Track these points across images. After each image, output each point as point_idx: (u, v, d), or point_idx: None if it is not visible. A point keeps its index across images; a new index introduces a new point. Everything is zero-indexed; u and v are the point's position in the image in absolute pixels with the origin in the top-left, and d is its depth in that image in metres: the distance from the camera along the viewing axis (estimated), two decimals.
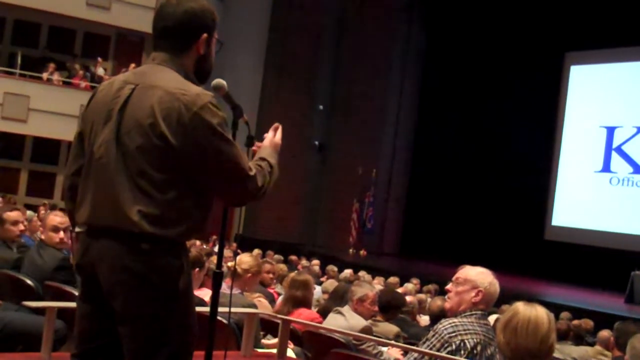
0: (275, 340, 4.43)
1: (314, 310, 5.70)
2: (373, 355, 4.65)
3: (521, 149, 19.19)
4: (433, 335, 3.40)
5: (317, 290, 7.81)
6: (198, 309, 2.41)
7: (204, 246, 11.01)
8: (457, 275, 3.56)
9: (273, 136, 2.64)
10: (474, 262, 3.68)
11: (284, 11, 21.53)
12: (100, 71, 19.37)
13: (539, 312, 2.86)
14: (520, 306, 2.90)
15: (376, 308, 5.45)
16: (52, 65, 18.81)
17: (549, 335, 2.83)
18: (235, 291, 4.62)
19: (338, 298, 5.83)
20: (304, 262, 13.11)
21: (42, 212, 12.57)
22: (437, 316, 5.80)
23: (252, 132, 2.60)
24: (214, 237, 12.64)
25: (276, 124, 2.71)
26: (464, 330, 3.36)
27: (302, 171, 20.43)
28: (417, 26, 22.74)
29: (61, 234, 4.88)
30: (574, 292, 15.42)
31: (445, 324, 3.41)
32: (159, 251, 2.26)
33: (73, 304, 2.73)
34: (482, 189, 20.30)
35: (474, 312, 3.43)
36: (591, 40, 18.28)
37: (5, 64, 18.79)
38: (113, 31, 19.97)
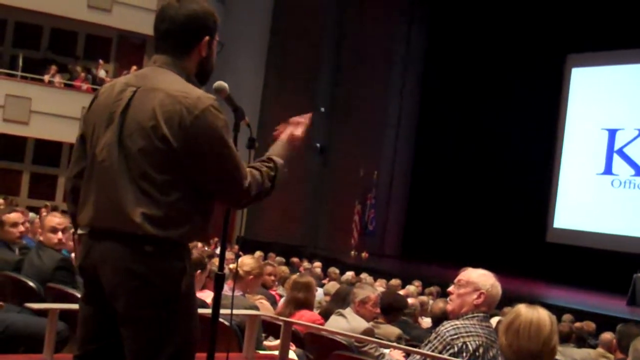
0: (277, 342, 4.42)
1: (315, 312, 5.70)
2: (375, 358, 4.65)
3: (523, 151, 19.20)
4: (435, 338, 3.40)
5: (319, 293, 7.82)
6: (200, 310, 2.41)
7: (206, 248, 11.01)
8: (459, 277, 3.56)
9: (293, 130, 2.62)
10: (475, 264, 3.68)
11: (285, 13, 21.54)
12: (101, 73, 19.38)
13: (541, 315, 2.86)
14: (523, 308, 2.90)
15: (378, 310, 5.45)
16: (53, 68, 18.82)
17: (551, 338, 2.83)
18: (237, 293, 4.61)
19: (340, 300, 5.82)
20: (305, 264, 13.11)
21: (44, 214, 12.57)
22: (439, 318, 5.80)
23: (254, 134, 2.60)
24: (216, 239, 12.63)
25: (307, 114, 2.68)
26: (466, 332, 3.35)
27: (303, 173, 20.43)
28: (418, 28, 22.77)
29: (59, 234, 4.89)
30: (576, 295, 15.41)
31: (447, 326, 3.41)
32: (161, 253, 2.26)
33: (75, 306, 2.73)
34: (483, 190, 20.30)
35: (476, 314, 3.43)
36: (593, 42, 18.29)
37: (6, 66, 18.80)
38: (114, 33, 19.98)
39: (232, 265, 4.88)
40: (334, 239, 21.33)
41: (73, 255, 5.81)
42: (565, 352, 6.40)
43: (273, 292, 7.16)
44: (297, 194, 20.13)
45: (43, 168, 19.36)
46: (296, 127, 2.63)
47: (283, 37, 21.57)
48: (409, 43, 22.66)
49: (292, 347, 4.53)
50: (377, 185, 21.15)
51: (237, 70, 18.47)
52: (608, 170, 18.65)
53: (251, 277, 4.98)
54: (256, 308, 4.52)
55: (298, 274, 8.63)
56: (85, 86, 18.85)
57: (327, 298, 7.44)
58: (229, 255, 8.60)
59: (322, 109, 21.93)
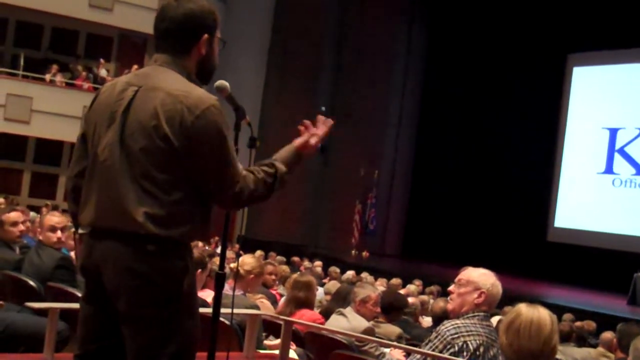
0: (277, 341, 4.42)
1: (316, 311, 5.70)
2: (375, 357, 4.65)
3: (523, 150, 19.20)
4: (436, 337, 3.40)
5: (320, 292, 7.82)
6: (200, 310, 2.41)
7: (207, 247, 11.01)
8: (459, 276, 3.56)
9: (308, 138, 2.59)
10: (476, 264, 3.68)
11: (286, 12, 21.53)
12: (102, 72, 19.38)
13: (542, 314, 2.86)
14: (523, 307, 2.89)
15: (378, 309, 5.45)
16: (54, 67, 18.83)
17: (552, 337, 2.83)
18: (238, 292, 4.61)
19: (340, 299, 5.82)
20: (306, 263, 13.11)
21: (45, 213, 12.57)
22: (440, 317, 5.80)
23: (255, 133, 2.60)
24: (217, 238, 12.64)
25: (329, 121, 2.64)
26: (467, 331, 3.35)
27: (304, 172, 20.41)
28: (419, 27, 22.77)
29: (59, 233, 4.90)
30: (577, 294, 15.41)
31: (447, 326, 3.41)
32: (163, 252, 2.27)
33: (75, 305, 2.73)
34: (484, 190, 20.30)
35: (476, 314, 3.43)
36: (594, 41, 18.28)
37: (8, 65, 18.80)
38: (116, 32, 19.99)
39: (232, 265, 4.88)
40: (335, 238, 21.33)
41: (73, 253, 5.82)
42: (566, 351, 6.40)
43: (274, 292, 7.16)
44: (297, 193, 20.13)
45: (44, 167, 19.36)
46: (313, 135, 2.60)
47: (284, 36, 21.56)
48: (410, 43, 22.67)
49: (293, 346, 4.53)
50: (378, 185, 21.15)
51: (238, 69, 18.46)
52: (609, 169, 18.64)
53: (252, 276, 4.98)
54: (257, 307, 4.53)
55: (299, 273, 8.63)
56: (86, 85, 18.85)
57: (328, 297, 7.44)
58: (229, 254, 8.59)
59: (323, 108, 21.88)
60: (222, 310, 2.58)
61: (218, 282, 2.58)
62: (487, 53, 20.24)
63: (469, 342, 3.31)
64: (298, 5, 21.34)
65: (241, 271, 4.87)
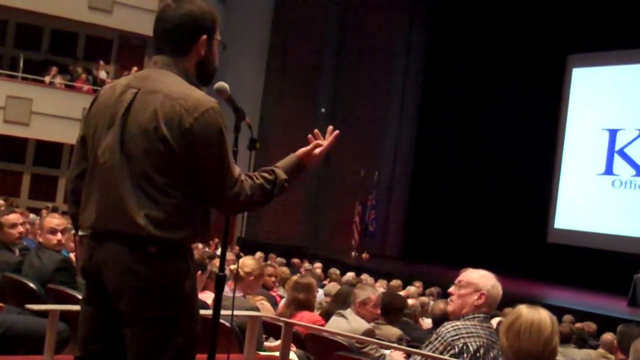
0: (277, 343, 4.42)
1: (316, 313, 5.70)
2: (375, 359, 4.66)
3: (523, 151, 19.18)
4: (436, 339, 3.40)
5: (320, 293, 7.81)
6: (201, 311, 2.41)
7: (207, 249, 11.02)
8: (459, 278, 3.56)
9: (312, 149, 2.59)
10: (476, 265, 3.68)
11: (286, 13, 21.54)
12: (102, 74, 19.40)
13: (542, 315, 2.86)
14: (523, 309, 2.89)
15: (379, 311, 5.45)
16: (54, 69, 18.84)
17: (552, 338, 2.82)
18: (238, 294, 4.61)
19: (340, 301, 5.82)
20: (306, 265, 13.10)
21: (45, 215, 12.57)
22: (440, 319, 5.79)
23: (254, 135, 2.60)
24: (217, 240, 12.64)
25: (335, 133, 2.64)
26: (467, 333, 3.35)
27: (304, 174, 20.41)
28: (419, 28, 22.77)
29: (59, 235, 4.90)
30: (577, 295, 15.40)
31: (448, 327, 3.41)
32: (165, 254, 2.27)
33: (76, 307, 2.73)
34: (484, 191, 20.28)
35: (476, 315, 3.43)
36: (593, 42, 18.27)
37: (7, 67, 18.81)
38: (115, 34, 19.99)
39: (232, 266, 4.88)
40: (335, 240, 21.32)
41: (73, 255, 5.82)
42: (566, 353, 6.40)
43: (274, 293, 7.17)
44: (297, 194, 20.14)
45: (44, 169, 19.36)
46: (318, 146, 2.61)
47: (284, 37, 21.57)
48: (410, 43, 22.68)
49: (293, 348, 4.53)
50: (378, 186, 21.14)
51: (237, 71, 18.47)
52: (609, 170, 18.64)
53: (252, 278, 4.97)
54: (257, 309, 4.53)
55: (299, 275, 8.63)
56: (86, 87, 18.86)
57: (328, 299, 7.44)
58: (229, 256, 8.60)
59: (323, 110, 21.93)
60: (222, 312, 2.58)
61: (218, 283, 2.58)
62: (487, 54, 20.24)
63: (469, 344, 3.31)
64: (298, 6, 21.35)
65: (241, 273, 4.87)
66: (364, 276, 11.94)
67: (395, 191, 22.51)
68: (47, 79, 18.67)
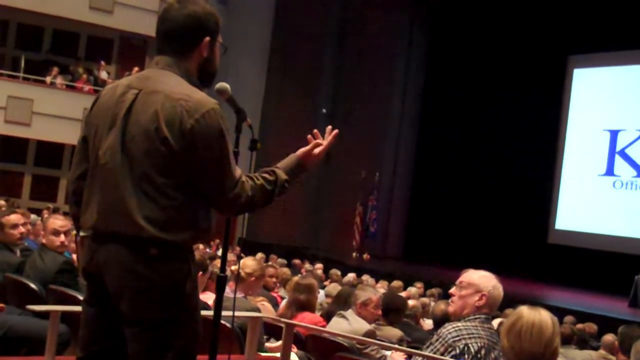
0: (278, 344, 4.42)
1: (317, 314, 5.69)
2: (376, 359, 4.65)
3: (524, 152, 19.17)
4: (437, 340, 3.40)
5: (321, 294, 7.81)
6: (202, 312, 2.41)
7: (208, 250, 11.01)
8: (460, 279, 3.56)
9: (311, 149, 2.61)
10: (477, 266, 3.67)
11: (287, 14, 21.55)
12: (103, 75, 19.41)
13: (543, 316, 2.85)
14: (524, 310, 2.89)
15: (380, 312, 5.45)
16: (55, 69, 18.84)
17: (553, 339, 2.82)
18: (239, 295, 4.61)
19: (341, 302, 5.82)
20: (307, 265, 13.10)
21: (46, 216, 12.56)
22: (441, 320, 5.79)
23: (255, 136, 2.59)
24: (217, 240, 12.65)
25: (334, 133, 2.66)
26: (468, 334, 3.35)
27: (305, 174, 20.41)
28: (420, 29, 22.77)
29: (62, 237, 4.89)
30: (578, 296, 15.40)
31: (449, 328, 3.41)
32: (166, 255, 2.27)
33: (77, 308, 2.73)
34: (485, 192, 20.28)
35: (477, 316, 3.42)
36: (594, 43, 18.27)
37: (8, 68, 18.81)
38: (116, 35, 20.00)
39: (233, 267, 4.88)
40: (336, 241, 21.32)
41: (75, 256, 5.81)
42: (567, 354, 6.39)
43: (275, 294, 7.16)
44: (298, 195, 20.14)
45: (45, 170, 19.36)
46: (317, 145, 2.62)
47: (285, 38, 21.57)
48: (411, 44, 22.68)
49: (294, 349, 4.52)
50: (379, 187, 21.14)
51: (239, 71, 18.48)
52: (610, 171, 18.63)
53: (253, 279, 4.97)
54: (258, 310, 4.52)
55: (300, 275, 8.63)
56: (87, 87, 18.86)
57: (329, 300, 7.44)
58: (230, 257, 8.60)
59: (324, 110, 21.94)
60: (223, 313, 2.58)
61: (219, 284, 2.58)
62: (488, 55, 20.23)
63: (470, 345, 3.31)
64: (298, 7, 21.35)
65: (242, 274, 4.87)
66: (365, 277, 11.93)
67: (396, 192, 22.51)
68: (48, 79, 18.68)
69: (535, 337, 2.80)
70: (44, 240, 4.98)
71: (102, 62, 19.65)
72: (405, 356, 4.86)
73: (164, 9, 2.48)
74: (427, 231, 21.38)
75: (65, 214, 6.03)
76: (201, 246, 9.85)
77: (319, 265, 13.35)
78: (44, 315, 3.85)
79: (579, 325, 9.00)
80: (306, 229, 21.76)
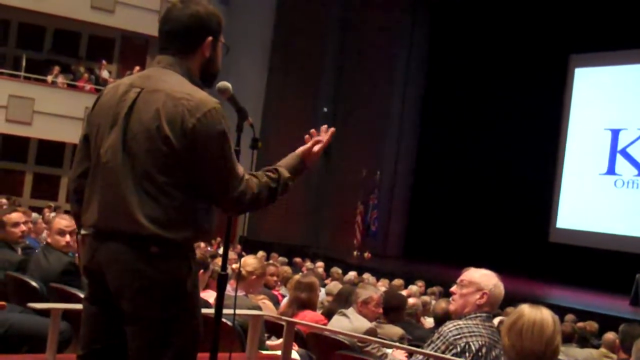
0: (279, 342, 4.42)
1: (318, 312, 5.70)
2: (377, 358, 4.66)
3: (525, 151, 19.17)
4: (438, 338, 3.40)
5: (322, 293, 7.82)
6: (203, 310, 2.42)
7: (209, 248, 11.03)
8: (461, 277, 3.56)
9: (311, 147, 2.63)
10: (478, 264, 3.67)
11: (288, 14, 21.56)
12: (104, 74, 19.42)
13: (544, 315, 2.85)
14: (526, 308, 2.89)
15: (380, 310, 5.45)
16: (56, 68, 18.86)
17: (554, 338, 2.82)
18: (240, 293, 4.61)
19: (342, 300, 5.82)
20: (308, 264, 13.11)
21: (47, 214, 12.59)
22: (442, 318, 5.79)
23: (257, 135, 2.60)
24: (219, 239, 12.65)
25: (331, 130, 2.68)
26: (469, 332, 3.35)
27: (306, 173, 20.38)
28: (420, 28, 22.76)
29: (67, 237, 4.88)
30: (579, 295, 15.39)
31: (450, 326, 3.41)
32: (167, 254, 2.27)
33: (78, 306, 2.73)
34: (486, 190, 20.27)
35: (478, 315, 3.43)
36: (596, 42, 18.26)
37: (10, 67, 18.83)
38: (117, 34, 20.01)
39: (234, 266, 4.88)
40: (337, 239, 21.33)
41: (76, 255, 5.82)
42: (568, 352, 6.40)
43: (275, 292, 7.17)
44: (299, 194, 20.15)
45: (46, 168, 19.39)
46: (316, 143, 2.64)
47: (286, 37, 21.59)
48: (412, 44, 22.67)
49: (295, 347, 4.53)
50: (380, 186, 21.13)
51: (240, 70, 18.48)
52: (611, 170, 18.62)
53: (254, 277, 4.98)
54: (259, 308, 4.53)
55: (301, 274, 8.63)
56: (88, 87, 18.88)
57: (329, 298, 7.44)
58: (231, 255, 8.61)
59: (325, 109, 21.95)
60: (225, 311, 2.58)
61: (220, 282, 2.58)
62: (489, 54, 20.22)
63: (471, 343, 3.31)
64: (299, 7, 21.36)
65: (243, 272, 4.87)
66: (366, 275, 11.94)
67: (397, 191, 22.50)
68: (49, 78, 18.69)
69: (537, 336, 2.80)
70: (49, 240, 4.98)
71: (104, 62, 19.67)
72: (406, 354, 4.86)
73: (167, 9, 2.49)
74: (427, 230, 21.38)
75: (66, 212, 6.04)
76: (202, 244, 9.86)
77: (320, 264, 13.36)
78: (45, 313, 3.85)
79: (580, 324, 9.00)
80: (307, 227, 21.78)
